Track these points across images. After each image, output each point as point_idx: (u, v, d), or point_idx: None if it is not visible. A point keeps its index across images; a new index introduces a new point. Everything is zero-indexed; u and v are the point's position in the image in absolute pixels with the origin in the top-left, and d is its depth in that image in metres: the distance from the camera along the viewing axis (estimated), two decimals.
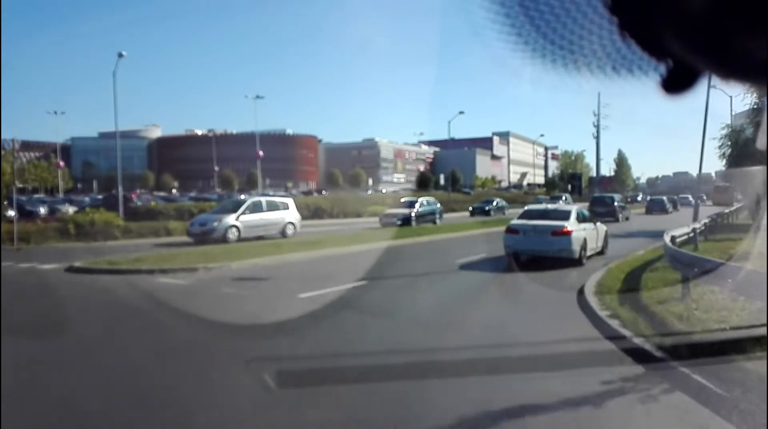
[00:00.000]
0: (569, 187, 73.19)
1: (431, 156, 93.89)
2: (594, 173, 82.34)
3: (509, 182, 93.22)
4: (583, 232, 12.13)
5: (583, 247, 11.99)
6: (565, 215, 12.39)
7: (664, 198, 37.74)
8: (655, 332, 5.84)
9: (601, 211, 24.12)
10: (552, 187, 68.32)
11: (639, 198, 52.52)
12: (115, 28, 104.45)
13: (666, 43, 0.61)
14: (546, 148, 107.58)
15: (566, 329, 6.53)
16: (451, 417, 4.03)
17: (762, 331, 5.05)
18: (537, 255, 11.90)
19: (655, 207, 34.94)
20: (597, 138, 76.12)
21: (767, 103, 10.45)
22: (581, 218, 12.63)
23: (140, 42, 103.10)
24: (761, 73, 0.60)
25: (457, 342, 6.17)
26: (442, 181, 49.73)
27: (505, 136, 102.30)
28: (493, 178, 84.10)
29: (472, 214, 33.62)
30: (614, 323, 6.35)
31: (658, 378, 4.67)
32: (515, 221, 12.82)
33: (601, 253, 13.07)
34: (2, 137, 21.16)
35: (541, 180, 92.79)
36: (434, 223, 24.67)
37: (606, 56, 0.67)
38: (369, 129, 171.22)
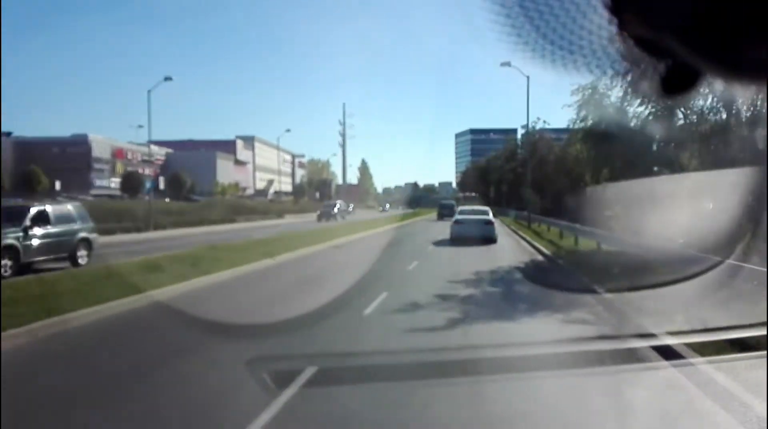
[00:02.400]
0: (317, 194, 69.67)
1: (162, 158, 79.95)
2: (340, 181, 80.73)
3: (255, 189, 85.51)
4: (497, 224, 22.62)
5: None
6: (487, 213, 22.95)
7: (453, 202, 45.90)
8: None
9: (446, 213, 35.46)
10: (301, 194, 63.54)
11: (349, 207, 53.49)
12: None
13: (666, 43, 0.61)
14: (293, 156, 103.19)
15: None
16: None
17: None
18: (472, 237, 20.27)
19: (445, 211, 39.57)
20: (343, 147, 74.61)
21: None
22: (493, 215, 23.72)
23: None
24: (761, 73, 0.60)
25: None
26: (162, 186, 38.72)
27: (249, 141, 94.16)
28: (236, 184, 75.32)
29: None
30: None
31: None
32: (459, 216, 22.86)
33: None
34: None
35: (289, 188, 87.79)
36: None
37: (606, 56, 0.67)
38: (82, 123, 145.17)
